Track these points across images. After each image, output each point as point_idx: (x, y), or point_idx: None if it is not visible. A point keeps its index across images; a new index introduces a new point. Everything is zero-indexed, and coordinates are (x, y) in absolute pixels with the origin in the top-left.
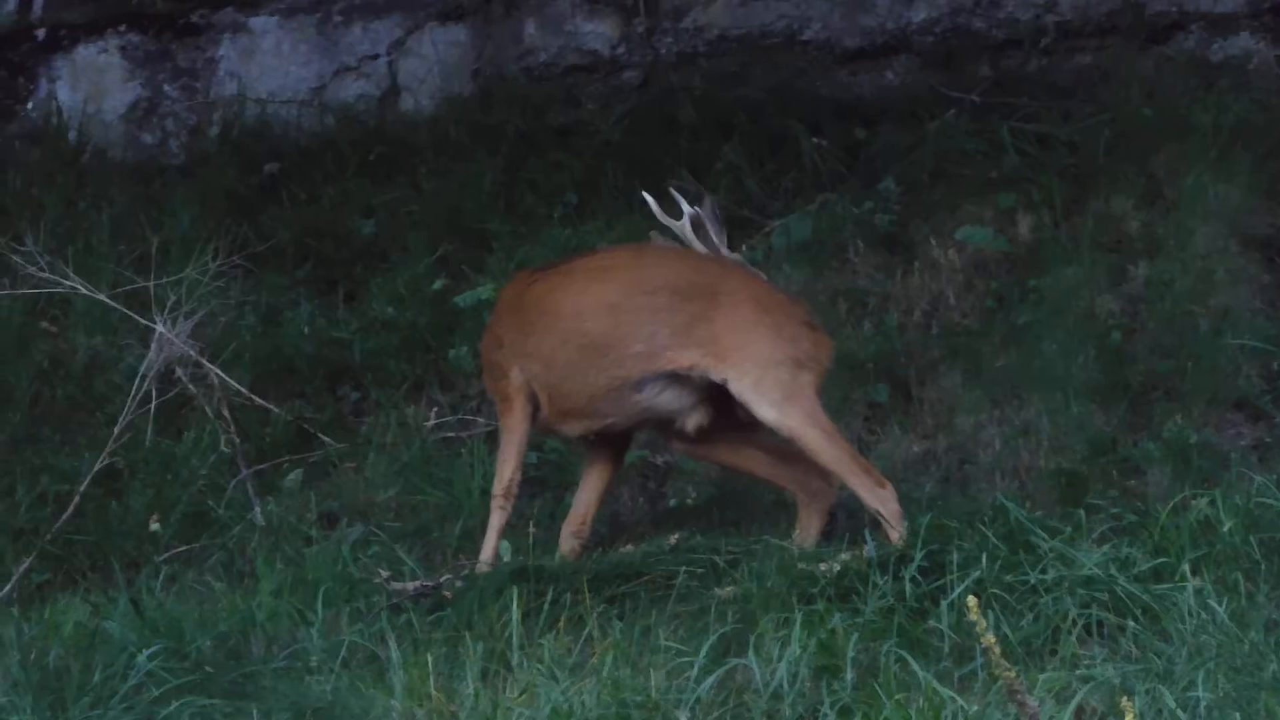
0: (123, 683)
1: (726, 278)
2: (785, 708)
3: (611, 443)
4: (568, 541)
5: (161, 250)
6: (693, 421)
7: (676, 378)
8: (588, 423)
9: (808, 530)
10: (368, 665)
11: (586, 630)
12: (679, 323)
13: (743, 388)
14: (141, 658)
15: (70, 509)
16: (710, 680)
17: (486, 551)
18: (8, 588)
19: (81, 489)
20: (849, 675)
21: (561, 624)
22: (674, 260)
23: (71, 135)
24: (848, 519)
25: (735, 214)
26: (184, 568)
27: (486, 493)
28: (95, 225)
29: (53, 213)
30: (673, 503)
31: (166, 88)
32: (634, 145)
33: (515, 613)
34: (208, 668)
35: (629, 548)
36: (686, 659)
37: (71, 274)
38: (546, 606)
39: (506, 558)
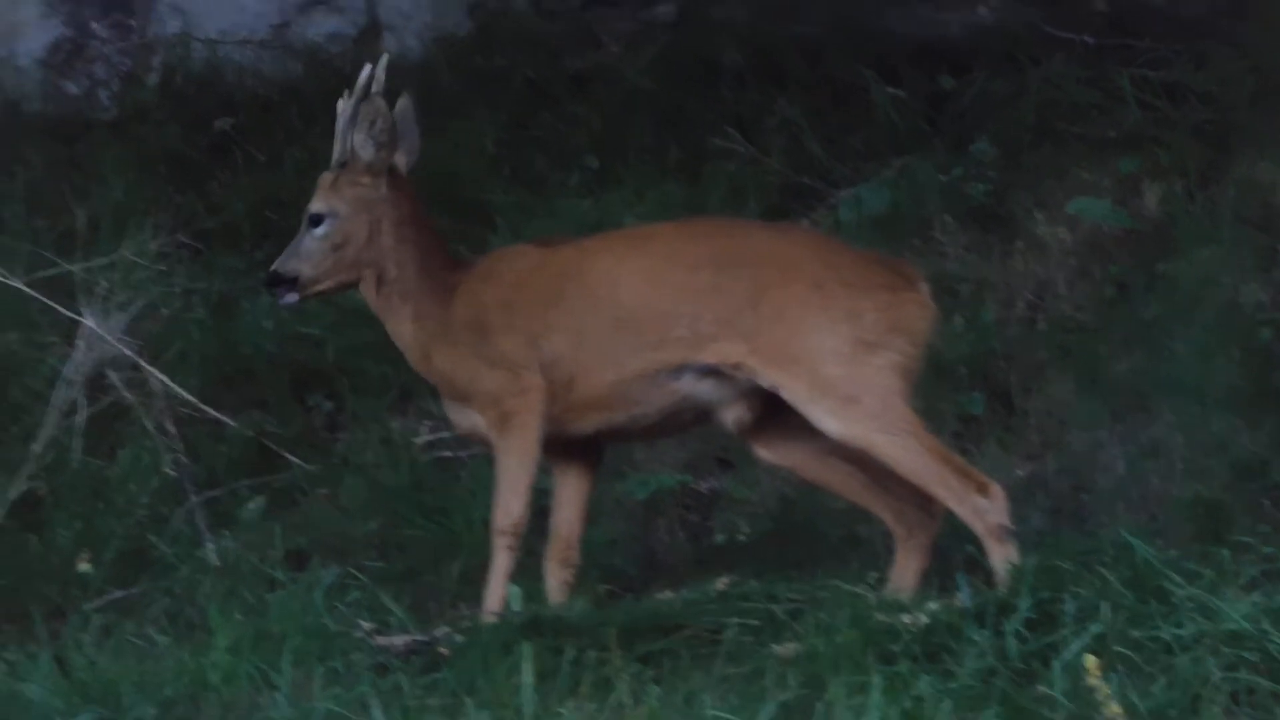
0: None
1: (778, 246)
2: None
3: (585, 447)
4: (557, 573)
5: (89, 226)
6: (733, 415)
7: (718, 371)
8: (609, 415)
9: (903, 573)
10: None
11: (615, 696)
12: (724, 308)
13: (796, 396)
14: None
15: None
16: None
17: (492, 599)
18: None
19: None
20: None
21: (584, 688)
22: (719, 231)
23: None
24: (938, 559)
25: (794, 181)
26: (120, 617)
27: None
28: (7, 195)
29: None
30: (720, 539)
31: (94, 25)
32: (667, 96)
33: (527, 674)
34: None
35: (666, 594)
36: None
37: None
38: (566, 666)
39: (516, 606)
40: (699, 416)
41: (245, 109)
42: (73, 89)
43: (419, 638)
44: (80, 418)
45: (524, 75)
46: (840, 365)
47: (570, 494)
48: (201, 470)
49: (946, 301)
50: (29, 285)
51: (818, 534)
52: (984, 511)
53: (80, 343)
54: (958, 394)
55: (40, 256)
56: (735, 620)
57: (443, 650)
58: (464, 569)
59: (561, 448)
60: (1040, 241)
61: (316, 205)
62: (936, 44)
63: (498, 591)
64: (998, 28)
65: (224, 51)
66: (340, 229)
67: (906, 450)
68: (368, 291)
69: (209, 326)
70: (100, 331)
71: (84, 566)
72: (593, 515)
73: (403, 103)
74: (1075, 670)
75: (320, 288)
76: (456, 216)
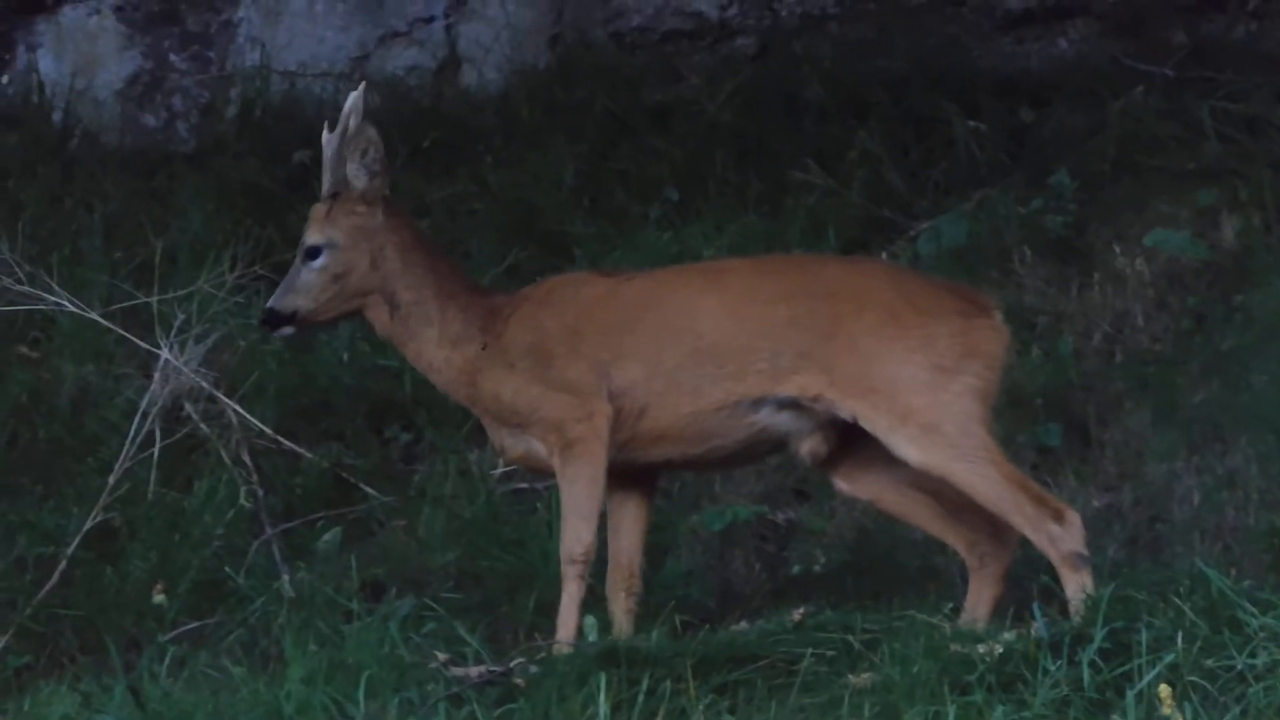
0: None
1: (851, 278)
2: None
3: (642, 475)
4: (621, 602)
5: (166, 258)
6: (808, 446)
7: (797, 403)
8: (684, 447)
9: (977, 603)
10: None
11: None
12: (802, 341)
13: (877, 426)
14: None
15: (55, 576)
16: None
17: (565, 629)
18: None
19: (69, 552)
20: None
21: (660, 719)
22: (793, 266)
23: (56, 116)
24: (1013, 588)
25: (874, 214)
26: (195, 648)
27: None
28: (85, 227)
29: (34, 212)
30: (796, 569)
31: (173, 58)
32: (748, 129)
33: (603, 705)
34: None
35: (742, 625)
36: None
37: (56, 287)
38: (641, 697)
39: (592, 637)
40: (774, 447)
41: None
42: (151, 121)
43: (494, 668)
44: (156, 449)
45: (604, 107)
46: (919, 393)
47: (629, 523)
48: (277, 502)
49: (1024, 334)
50: (106, 317)
51: (894, 565)
52: (1058, 539)
53: (157, 374)
54: (1035, 425)
55: (118, 288)
56: (811, 651)
57: (518, 681)
58: (539, 600)
59: (618, 476)
60: (1118, 273)
61: (312, 238)
62: (1017, 77)
63: (570, 621)
64: (1078, 61)
65: (303, 84)
66: (340, 259)
67: (984, 478)
68: (376, 318)
69: (286, 358)
70: (177, 363)
71: (159, 597)
72: (668, 546)
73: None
74: (1149, 700)
75: (319, 319)
76: (535, 247)
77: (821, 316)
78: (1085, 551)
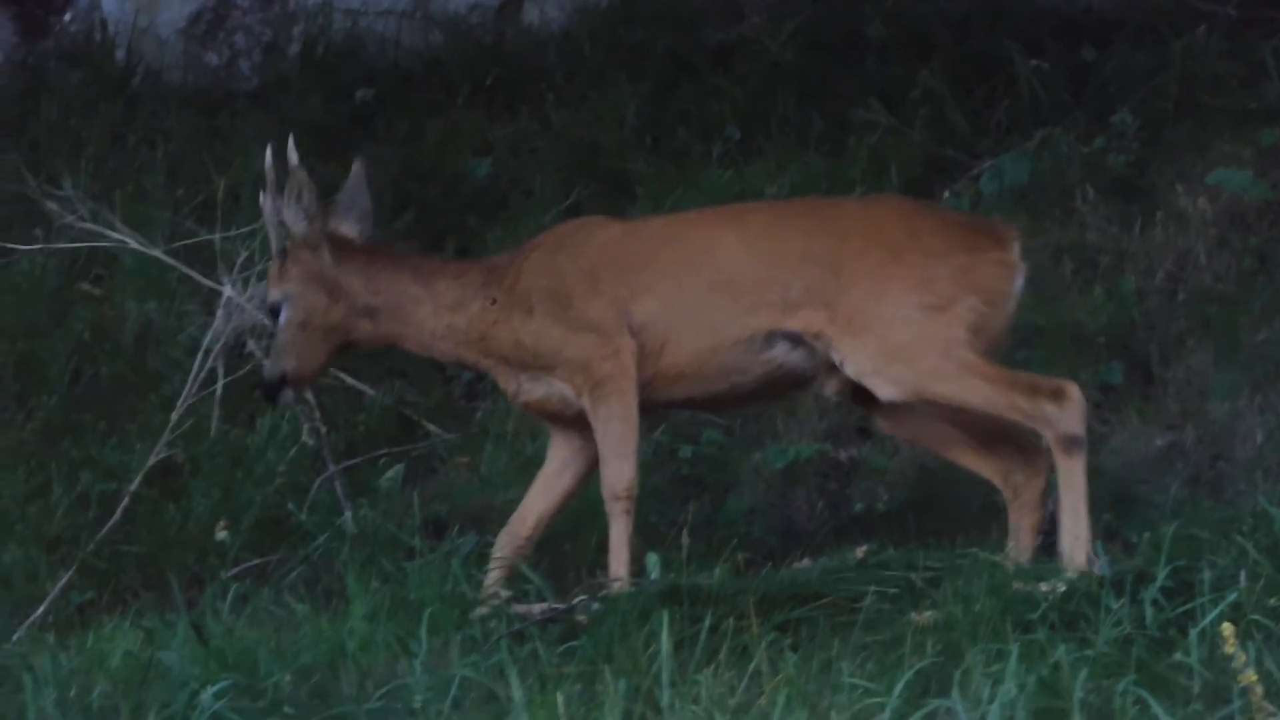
0: None
1: (865, 216)
2: None
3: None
4: (505, 556)
5: (229, 196)
6: (833, 386)
7: (803, 339)
8: (704, 385)
9: (1019, 532)
10: (484, 706)
11: (753, 664)
12: (811, 277)
13: (861, 368)
14: (206, 695)
15: (118, 513)
16: None
17: (617, 564)
18: (42, 609)
19: (132, 489)
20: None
21: (722, 656)
22: (813, 207)
23: (119, 54)
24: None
25: (936, 153)
26: (257, 585)
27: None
28: (148, 165)
29: (96, 149)
30: (859, 508)
31: None
32: (810, 68)
33: (665, 642)
34: (287, 708)
35: (805, 563)
36: (876, 700)
37: (119, 224)
38: (703, 634)
39: (655, 574)
40: (796, 385)
41: (386, 80)
42: (214, 59)
43: (557, 606)
44: (219, 386)
45: (666, 47)
46: (906, 331)
47: (555, 490)
48: (340, 439)
49: (1086, 272)
50: (169, 254)
51: (956, 503)
52: (1054, 420)
53: (220, 311)
54: (1098, 364)
55: (181, 226)
56: (873, 589)
57: (580, 618)
58: (601, 538)
59: (577, 444)
60: (1180, 213)
61: (270, 297)
62: (1079, 17)
63: (622, 556)
64: (1140, 0)
65: (365, 22)
66: (299, 306)
67: (969, 389)
68: (365, 336)
69: None
70: (240, 300)
71: (221, 535)
72: (730, 484)
73: (355, 168)
74: (1212, 639)
75: (312, 371)
76: (597, 186)
77: (831, 254)
78: (1081, 434)
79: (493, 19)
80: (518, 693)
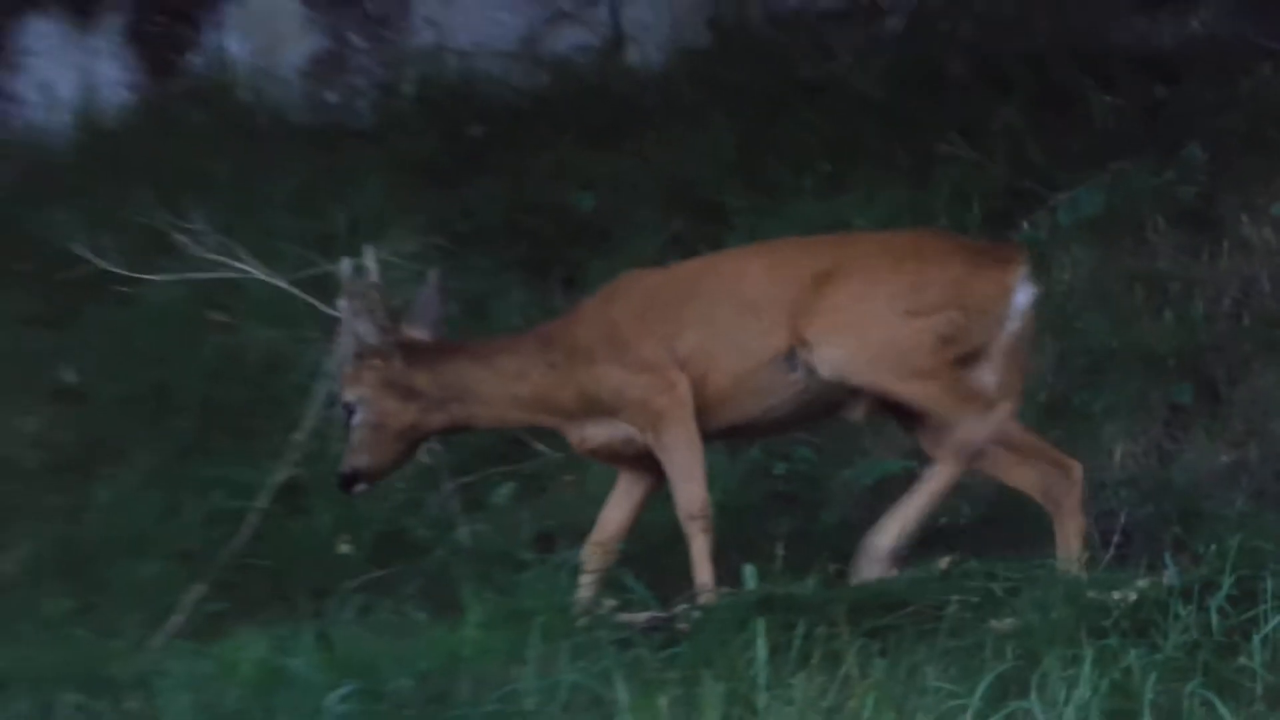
0: None
1: (880, 240)
2: None
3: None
4: (595, 565)
5: (349, 228)
6: (860, 409)
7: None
8: (743, 409)
9: (1066, 541)
10: (591, 709)
11: (843, 669)
12: (817, 292)
13: (833, 362)
14: (331, 699)
15: (247, 529)
16: None
17: (703, 577)
18: (177, 619)
19: (260, 506)
20: None
21: (815, 661)
22: (842, 237)
23: (243, 93)
24: (1146, 540)
25: (1016, 185)
26: (378, 596)
27: (727, 508)
28: (272, 199)
29: (223, 185)
30: (942, 521)
31: (353, 37)
32: (896, 104)
33: (761, 648)
34: (407, 711)
35: (893, 573)
36: (959, 702)
37: (245, 255)
38: (797, 641)
39: (751, 584)
40: (827, 410)
41: (496, 117)
42: (332, 98)
43: (659, 614)
44: (340, 409)
45: (760, 85)
46: (880, 330)
47: (629, 502)
48: (455, 458)
49: (1157, 298)
50: (292, 284)
51: (1033, 517)
52: (966, 425)
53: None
54: (1168, 384)
55: (303, 256)
56: (956, 598)
57: (681, 626)
58: None
59: (644, 460)
60: (1246, 242)
61: (345, 397)
62: (1151, 55)
63: (705, 568)
64: (1209, 38)
65: (476, 63)
66: (373, 410)
67: (915, 387)
68: (438, 425)
69: (461, 323)
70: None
71: (344, 548)
72: (822, 500)
73: (430, 277)
74: (1274, 643)
75: (386, 466)
76: (694, 217)
77: (836, 269)
78: (976, 444)
79: (597, 60)
80: (623, 696)
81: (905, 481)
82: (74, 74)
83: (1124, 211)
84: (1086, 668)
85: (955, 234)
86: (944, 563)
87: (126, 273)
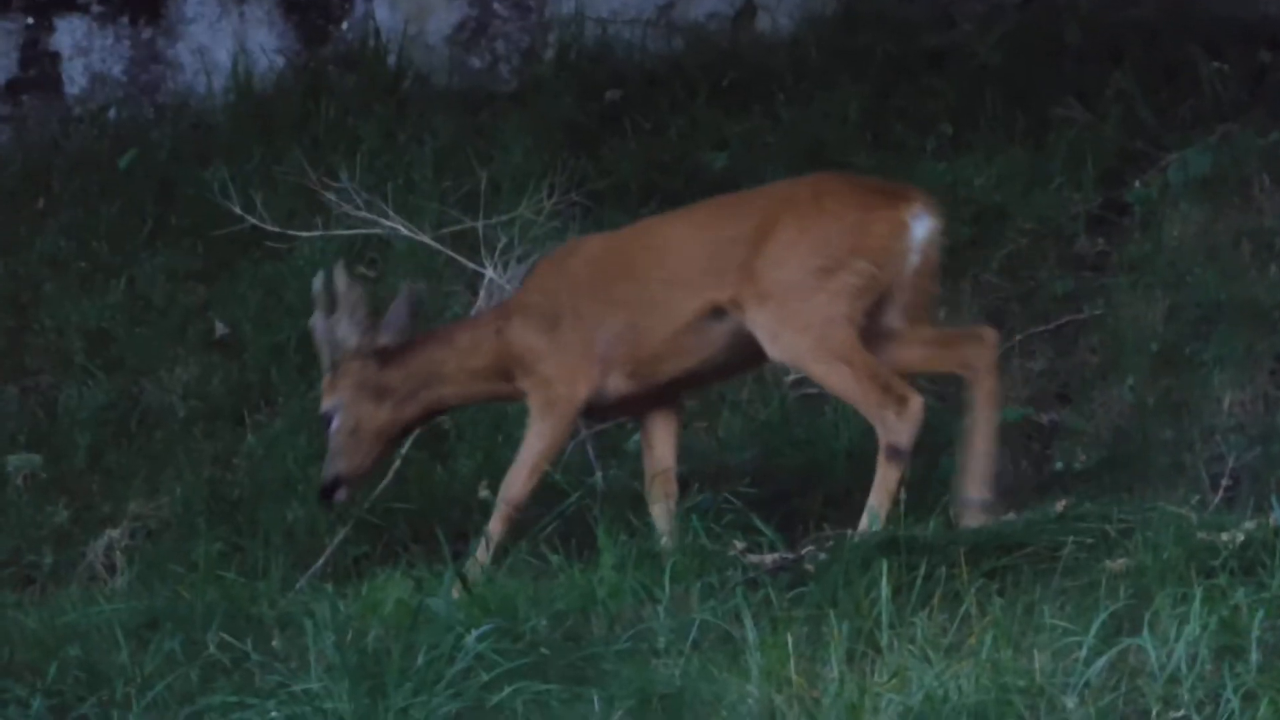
0: (449, 666)
1: (789, 191)
2: (1183, 692)
3: (664, 394)
4: (661, 504)
5: (491, 187)
6: None
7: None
8: (680, 362)
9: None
10: (721, 647)
11: (963, 608)
12: (738, 254)
13: (763, 333)
14: (470, 638)
15: (390, 475)
16: (1100, 662)
17: (483, 556)
18: (322, 562)
19: (402, 452)
20: (1254, 657)
21: (936, 601)
22: (756, 193)
23: (391, 60)
24: (1251, 482)
25: (1128, 147)
26: (516, 538)
27: (852, 455)
28: (417, 159)
29: (371, 146)
30: (1059, 466)
31: (496, 6)
32: (1015, 70)
33: (885, 589)
34: (543, 649)
35: (1011, 516)
36: (1074, 639)
37: (391, 213)
38: (919, 581)
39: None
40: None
41: (632, 82)
42: (476, 63)
43: (787, 556)
44: None
45: (885, 52)
46: (801, 298)
47: (661, 435)
48: None
49: (1263, 254)
50: (436, 240)
51: (1146, 461)
52: (888, 429)
53: (482, 292)
54: (1274, 337)
55: (447, 214)
56: (1072, 539)
57: (808, 567)
58: (827, 493)
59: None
60: None
61: (323, 407)
62: (1257, 23)
63: (486, 552)
64: None
65: (614, 30)
66: (349, 415)
67: (837, 375)
68: (415, 417)
69: None
70: (501, 281)
71: (484, 493)
72: (943, 446)
73: (403, 290)
74: None
75: (363, 469)
76: None
77: (754, 229)
78: (905, 446)
79: (729, 26)
80: (751, 634)
81: (1023, 427)
82: (230, 41)
83: (1231, 171)
84: (1196, 606)
85: (849, 176)
86: (1060, 505)
87: (278, 229)
